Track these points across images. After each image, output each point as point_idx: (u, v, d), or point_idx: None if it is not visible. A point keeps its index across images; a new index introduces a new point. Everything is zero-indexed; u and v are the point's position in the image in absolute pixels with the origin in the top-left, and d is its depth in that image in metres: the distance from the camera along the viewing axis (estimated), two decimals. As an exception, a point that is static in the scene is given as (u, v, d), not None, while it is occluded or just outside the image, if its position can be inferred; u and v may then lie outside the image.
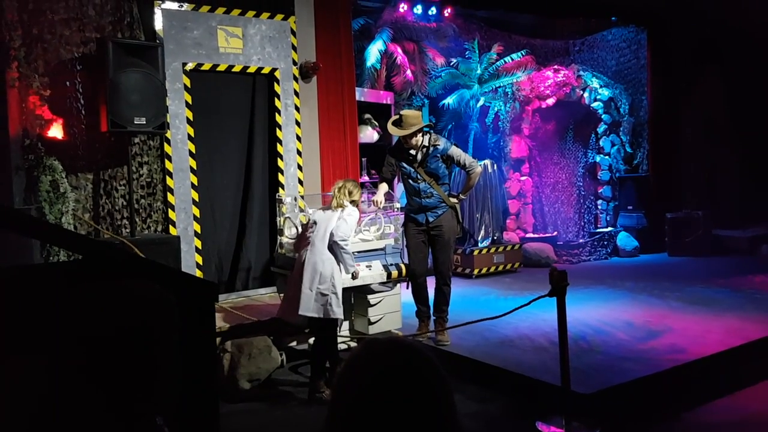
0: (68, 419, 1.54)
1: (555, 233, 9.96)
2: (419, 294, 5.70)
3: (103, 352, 1.53)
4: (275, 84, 6.95)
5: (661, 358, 4.92)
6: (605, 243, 9.86)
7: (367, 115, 8.50)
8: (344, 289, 5.57)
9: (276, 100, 6.96)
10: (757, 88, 9.83)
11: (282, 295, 5.61)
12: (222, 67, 6.61)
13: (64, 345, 1.65)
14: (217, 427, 3.36)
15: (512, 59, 9.73)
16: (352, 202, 4.91)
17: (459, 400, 3.96)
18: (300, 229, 5.42)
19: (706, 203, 10.32)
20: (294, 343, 5.79)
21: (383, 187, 5.65)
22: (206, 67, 6.51)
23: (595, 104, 10.14)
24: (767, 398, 4.56)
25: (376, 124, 8.55)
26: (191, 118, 6.41)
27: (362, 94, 8.39)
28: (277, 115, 6.97)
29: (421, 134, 5.46)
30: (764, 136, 10.18)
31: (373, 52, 8.77)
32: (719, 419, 4.25)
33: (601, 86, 10.13)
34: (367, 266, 5.70)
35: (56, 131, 5.77)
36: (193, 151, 6.42)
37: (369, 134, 8.45)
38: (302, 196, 6.73)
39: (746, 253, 9.52)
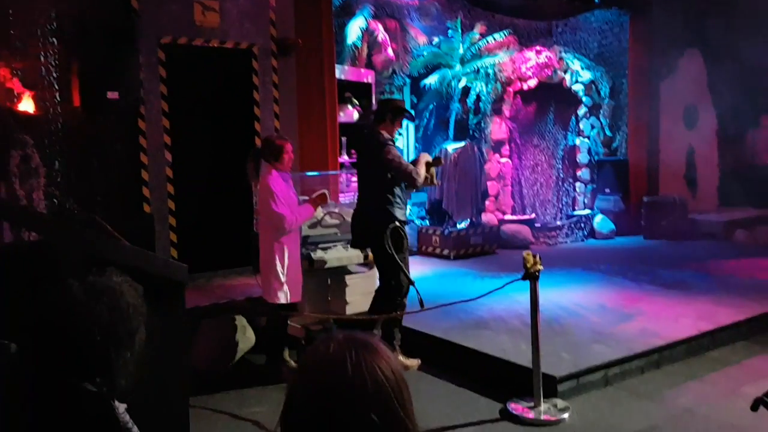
0: (28, 404, 1.52)
1: (533, 215, 10.01)
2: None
3: (58, 340, 1.51)
4: (253, 60, 6.84)
5: (632, 342, 4.98)
6: (582, 225, 9.92)
7: (348, 94, 8.42)
8: (321, 271, 5.58)
9: (254, 76, 6.86)
10: (739, 73, 9.87)
11: (258, 275, 5.59)
12: (198, 42, 6.49)
13: (23, 330, 1.63)
14: (186, 406, 3.35)
15: (495, 39, 9.67)
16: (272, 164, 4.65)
17: (431, 381, 3.92)
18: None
19: (683, 187, 10.41)
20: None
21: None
22: (182, 41, 6.39)
23: (576, 87, 10.14)
24: (739, 382, 4.64)
25: (357, 102, 8.47)
26: (166, 94, 6.30)
27: (342, 72, 8.30)
28: (254, 92, 6.88)
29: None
30: (743, 122, 10.26)
31: (354, 29, 8.66)
32: (691, 401, 4.33)
33: (582, 68, 10.12)
34: (344, 248, 5.69)
35: (27, 105, 5.64)
36: (168, 127, 6.32)
37: (349, 113, 8.38)
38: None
39: (722, 238, 9.64)
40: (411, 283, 4.95)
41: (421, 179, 4.95)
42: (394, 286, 4.95)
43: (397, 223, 4.91)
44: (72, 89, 5.66)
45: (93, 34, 5.47)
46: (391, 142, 4.98)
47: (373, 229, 4.92)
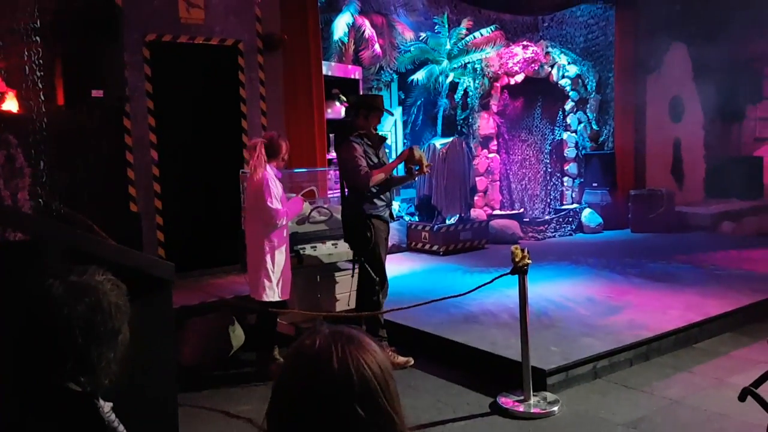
0: (12, 405, 1.50)
1: (521, 210, 10.03)
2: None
3: (40, 339, 1.49)
4: (239, 57, 6.80)
5: (620, 334, 5.00)
6: (570, 219, 9.96)
7: (335, 90, 8.39)
8: (310, 268, 5.56)
9: (240, 73, 6.81)
10: (724, 65, 9.94)
11: (246, 274, 5.57)
12: (183, 39, 6.43)
13: (5, 331, 1.61)
14: (175, 404, 3.33)
15: (481, 35, 9.67)
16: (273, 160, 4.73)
17: (421, 376, 3.91)
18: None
19: (670, 180, 10.48)
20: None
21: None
22: (167, 38, 6.33)
23: (563, 81, 10.16)
24: (727, 372, 4.67)
25: (344, 99, 8.44)
26: (151, 92, 6.24)
27: (329, 69, 8.27)
28: (241, 89, 6.83)
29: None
30: (728, 114, 10.34)
31: (341, 24, 8.62)
32: (680, 392, 4.35)
33: (569, 63, 10.15)
34: (333, 245, 5.67)
35: (11, 104, 5.57)
36: (154, 125, 6.27)
37: (337, 109, 8.36)
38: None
39: (709, 230, 9.71)
40: (381, 278, 4.94)
41: (365, 180, 4.79)
42: (365, 283, 4.98)
43: (364, 218, 4.89)
44: (56, 88, 5.60)
45: (77, 32, 5.40)
46: (355, 139, 4.88)
47: (347, 224, 5.01)
